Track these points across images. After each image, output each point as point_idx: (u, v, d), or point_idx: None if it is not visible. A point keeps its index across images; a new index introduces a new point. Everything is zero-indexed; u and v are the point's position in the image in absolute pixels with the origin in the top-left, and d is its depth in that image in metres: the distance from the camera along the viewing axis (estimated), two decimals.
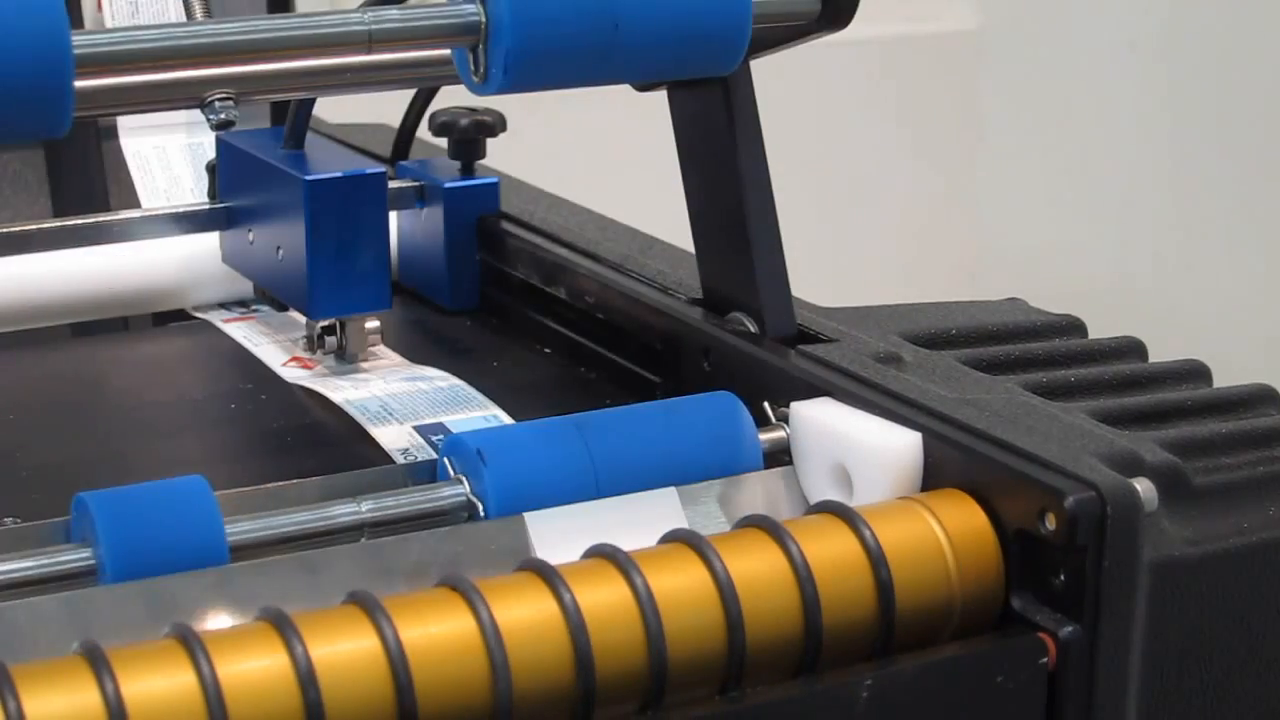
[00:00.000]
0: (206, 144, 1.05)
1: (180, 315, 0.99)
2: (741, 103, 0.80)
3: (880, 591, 0.64)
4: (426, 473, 0.74)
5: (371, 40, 0.69)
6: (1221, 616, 0.69)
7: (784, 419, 0.75)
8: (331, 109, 1.09)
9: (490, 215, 0.97)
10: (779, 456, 0.74)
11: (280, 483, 0.73)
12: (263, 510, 0.69)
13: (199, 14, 0.81)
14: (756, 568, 0.63)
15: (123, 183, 1.08)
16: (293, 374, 0.88)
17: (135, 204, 1.05)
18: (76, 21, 1.19)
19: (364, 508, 0.69)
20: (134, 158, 1.07)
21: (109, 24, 1.08)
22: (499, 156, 1.02)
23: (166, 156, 1.07)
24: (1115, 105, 2.12)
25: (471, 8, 0.69)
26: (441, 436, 0.78)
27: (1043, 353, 0.81)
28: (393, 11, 0.70)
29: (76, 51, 0.63)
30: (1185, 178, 2.07)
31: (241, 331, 0.94)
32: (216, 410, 0.86)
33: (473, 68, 0.71)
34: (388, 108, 1.09)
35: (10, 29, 0.60)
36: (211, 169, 0.96)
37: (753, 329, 0.81)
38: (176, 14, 1.07)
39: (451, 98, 0.96)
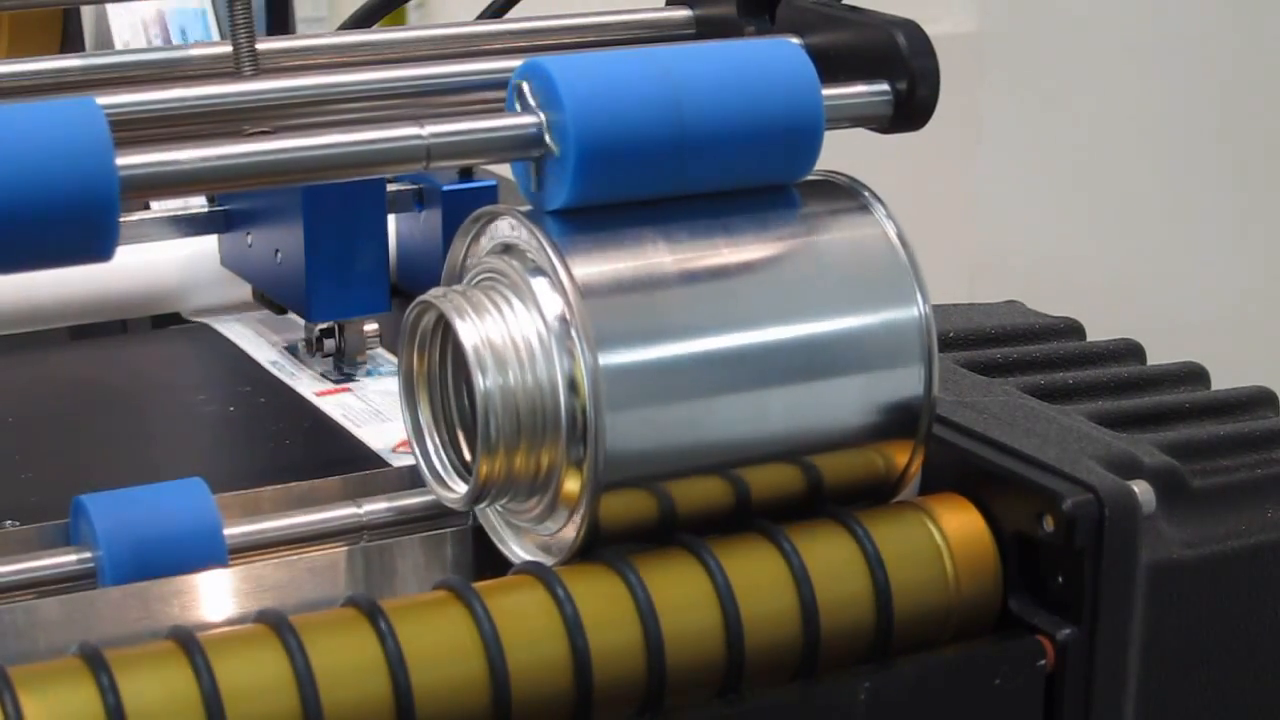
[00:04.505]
0: None
1: (179, 318, 0.99)
2: None
3: (878, 594, 0.64)
4: None
5: (430, 157, 0.66)
6: (1219, 618, 0.69)
7: None
8: None
9: None
10: None
11: (279, 485, 0.73)
12: (261, 513, 0.69)
13: (246, 68, 0.77)
14: (755, 571, 0.63)
15: None
16: (314, 386, 0.87)
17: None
18: (76, 29, 1.19)
19: (363, 510, 0.69)
20: None
21: (116, 39, 1.08)
22: None
23: None
24: (1114, 108, 2.12)
25: (532, 121, 0.65)
26: None
27: (1041, 355, 0.81)
28: (452, 128, 0.65)
29: (122, 174, 0.60)
30: (1183, 180, 2.07)
31: (240, 334, 0.94)
32: (215, 413, 0.86)
33: (533, 179, 0.66)
34: None
35: (56, 165, 0.58)
36: None
37: None
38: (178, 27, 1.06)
39: None
